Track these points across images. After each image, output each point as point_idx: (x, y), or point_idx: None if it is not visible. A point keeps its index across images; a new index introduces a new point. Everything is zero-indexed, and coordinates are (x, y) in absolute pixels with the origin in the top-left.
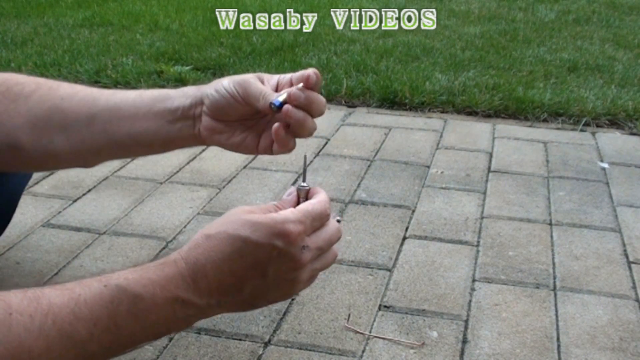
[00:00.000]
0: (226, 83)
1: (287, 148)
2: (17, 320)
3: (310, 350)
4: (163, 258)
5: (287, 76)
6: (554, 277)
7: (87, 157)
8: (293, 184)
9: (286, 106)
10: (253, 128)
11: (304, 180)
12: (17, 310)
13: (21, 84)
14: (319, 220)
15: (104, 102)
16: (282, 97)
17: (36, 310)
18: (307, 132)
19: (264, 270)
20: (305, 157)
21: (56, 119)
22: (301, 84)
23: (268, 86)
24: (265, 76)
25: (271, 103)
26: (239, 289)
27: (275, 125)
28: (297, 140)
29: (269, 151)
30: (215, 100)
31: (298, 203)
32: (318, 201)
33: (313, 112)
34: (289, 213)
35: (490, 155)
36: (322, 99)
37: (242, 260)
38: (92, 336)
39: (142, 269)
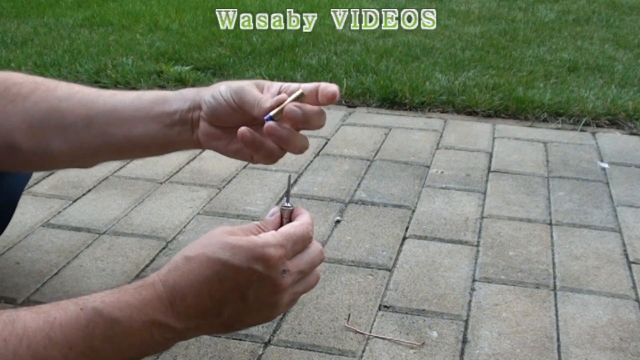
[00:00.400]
0: (223, 89)
1: (271, 160)
2: None
3: (310, 350)
4: (141, 280)
5: (292, 85)
6: (554, 277)
7: (85, 158)
8: (277, 203)
9: (267, 124)
10: None
11: (287, 201)
12: None
13: (19, 84)
14: (300, 244)
15: (102, 104)
16: (274, 110)
17: (11, 334)
18: (297, 149)
19: (243, 294)
20: (289, 177)
21: (54, 120)
22: (300, 91)
23: (267, 94)
24: (266, 84)
25: (265, 117)
26: (218, 313)
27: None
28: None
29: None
30: (212, 106)
31: (281, 223)
32: (300, 224)
33: (311, 126)
34: (270, 236)
35: (490, 155)
36: (322, 112)
37: (221, 284)
38: None
39: (119, 291)
